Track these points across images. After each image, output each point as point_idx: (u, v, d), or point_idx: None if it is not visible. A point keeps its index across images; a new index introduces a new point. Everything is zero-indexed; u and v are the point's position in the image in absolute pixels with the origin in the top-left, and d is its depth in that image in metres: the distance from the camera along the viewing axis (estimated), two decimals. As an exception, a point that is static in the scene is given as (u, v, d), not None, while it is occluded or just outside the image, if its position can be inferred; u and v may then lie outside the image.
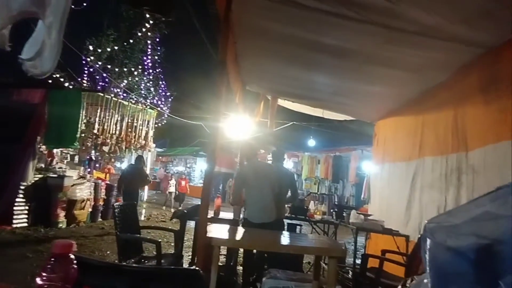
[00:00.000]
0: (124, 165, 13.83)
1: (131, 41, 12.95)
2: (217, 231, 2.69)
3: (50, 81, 9.31)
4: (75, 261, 0.86)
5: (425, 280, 1.11)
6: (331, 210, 5.88)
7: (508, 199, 1.16)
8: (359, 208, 5.62)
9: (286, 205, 4.49)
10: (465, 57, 3.11)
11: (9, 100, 7.13)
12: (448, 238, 1.17)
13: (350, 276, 4.17)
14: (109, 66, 12.82)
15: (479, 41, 2.81)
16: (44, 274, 0.81)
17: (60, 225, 6.88)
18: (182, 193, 14.11)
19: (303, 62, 3.93)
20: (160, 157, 22.35)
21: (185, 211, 3.87)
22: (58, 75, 11.60)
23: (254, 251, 3.89)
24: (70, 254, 0.85)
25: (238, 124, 5.61)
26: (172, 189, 14.00)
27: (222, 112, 3.51)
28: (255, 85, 5.47)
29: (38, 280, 0.81)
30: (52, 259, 0.83)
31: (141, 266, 1.26)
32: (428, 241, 1.20)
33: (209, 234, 2.50)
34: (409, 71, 3.59)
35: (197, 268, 0.97)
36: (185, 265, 4.30)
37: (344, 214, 4.49)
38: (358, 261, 4.12)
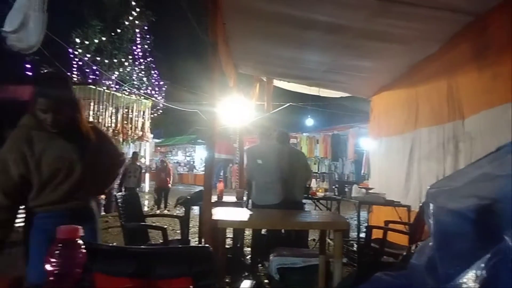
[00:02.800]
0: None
1: (118, 30, 12.72)
2: (222, 214, 2.72)
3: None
4: (82, 246, 0.87)
5: (430, 243, 1.14)
6: (333, 187, 5.94)
7: (506, 158, 1.17)
8: (359, 184, 5.67)
9: (303, 186, 4.42)
10: (455, 26, 3.11)
11: (1, 97, 7.03)
12: (449, 201, 1.19)
13: (354, 248, 4.25)
14: (98, 58, 12.63)
15: (467, 9, 2.83)
16: (52, 259, 0.82)
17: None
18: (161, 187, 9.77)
19: (294, 41, 3.89)
20: (159, 148, 22.33)
21: (188, 197, 3.89)
22: (46, 71, 11.43)
23: (263, 232, 3.94)
24: (76, 239, 0.86)
25: (234, 109, 5.58)
26: None
27: (217, 97, 3.49)
28: (249, 67, 5.42)
29: (47, 266, 0.82)
30: (59, 244, 0.83)
31: (148, 248, 1.27)
32: (431, 206, 1.21)
33: (215, 217, 2.52)
34: (401, 43, 3.58)
35: (206, 245, 0.98)
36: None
37: (346, 190, 4.54)
38: (362, 235, 4.20)
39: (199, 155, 21.53)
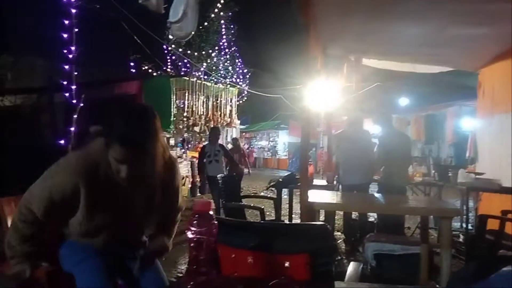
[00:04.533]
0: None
1: (205, 24, 13.39)
2: (317, 196, 2.72)
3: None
4: (214, 218, 0.95)
5: None
6: (432, 171, 5.46)
7: None
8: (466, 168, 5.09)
9: (403, 170, 4.18)
10: None
11: (113, 93, 8.05)
12: None
13: (460, 240, 3.87)
14: (188, 52, 13.51)
15: None
16: (192, 228, 0.92)
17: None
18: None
19: (390, 13, 3.61)
20: (244, 133, 23.20)
21: (280, 180, 3.99)
22: (147, 67, 12.68)
23: (354, 216, 3.89)
24: (210, 212, 0.95)
25: (322, 92, 5.46)
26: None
27: (306, 81, 3.45)
28: (337, 47, 5.21)
29: (189, 234, 0.92)
30: (196, 215, 0.93)
31: (270, 223, 1.32)
32: None
33: (310, 199, 2.54)
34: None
35: (324, 223, 0.99)
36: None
37: (450, 174, 4.13)
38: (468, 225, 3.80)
39: (282, 140, 21.77)
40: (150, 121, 1.36)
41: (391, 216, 3.61)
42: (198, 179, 8.90)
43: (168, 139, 10.37)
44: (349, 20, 4.11)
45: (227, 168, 6.71)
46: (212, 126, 8.56)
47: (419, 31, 4.00)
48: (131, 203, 1.47)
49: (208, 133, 8.87)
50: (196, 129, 8.22)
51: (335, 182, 4.14)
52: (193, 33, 1.96)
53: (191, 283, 0.91)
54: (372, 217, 4.61)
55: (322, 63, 4.83)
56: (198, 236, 0.91)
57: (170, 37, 13.07)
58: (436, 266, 2.95)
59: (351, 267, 1.41)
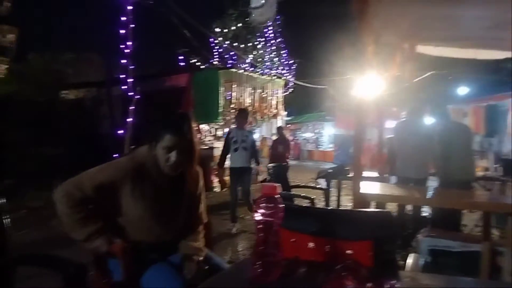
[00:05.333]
0: (255, 135, 14.72)
1: (252, 15, 13.46)
2: (370, 188, 2.66)
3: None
4: (280, 201, 0.98)
5: None
6: (495, 166, 5.07)
7: None
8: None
9: (466, 164, 3.94)
10: None
11: (163, 86, 8.42)
12: None
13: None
14: (235, 44, 13.70)
15: None
16: (259, 211, 0.95)
17: (215, 189, 7.95)
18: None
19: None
20: (289, 125, 23.14)
21: (330, 170, 3.95)
22: (194, 60, 13.06)
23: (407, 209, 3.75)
24: (276, 195, 0.98)
25: (372, 81, 5.28)
26: None
27: (356, 71, 3.36)
28: (391, 34, 4.98)
29: (257, 216, 0.96)
30: (263, 198, 0.96)
31: (333, 209, 1.33)
32: None
33: (363, 191, 2.49)
34: None
35: (388, 211, 0.98)
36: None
37: (518, 169, 3.82)
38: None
39: (327, 131, 21.38)
40: (190, 121, 1.63)
41: (448, 211, 3.43)
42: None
43: (215, 130, 10.65)
44: (406, 5, 3.91)
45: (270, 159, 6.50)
46: (259, 117, 8.64)
47: (487, 12, 3.70)
48: (168, 202, 1.63)
49: (254, 124, 8.95)
50: (243, 120, 8.34)
51: (387, 175, 4.01)
52: (272, 19, 1.96)
53: (259, 262, 0.95)
54: (426, 212, 4.43)
55: (374, 52, 4.66)
56: (265, 219, 0.94)
57: (217, 30, 13.36)
58: (498, 266, 2.77)
59: (410, 259, 1.38)
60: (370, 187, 2.73)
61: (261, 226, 0.95)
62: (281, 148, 7.44)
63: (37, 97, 7.87)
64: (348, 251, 1.08)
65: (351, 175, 4.38)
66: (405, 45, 5.57)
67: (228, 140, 4.73)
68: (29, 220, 5.42)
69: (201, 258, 1.63)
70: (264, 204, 0.95)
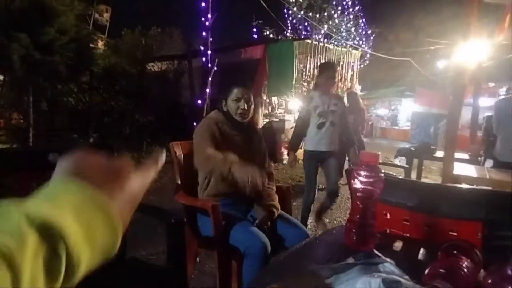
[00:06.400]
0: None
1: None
2: (463, 170, 2.42)
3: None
4: (381, 171, 0.92)
5: None
6: None
7: None
8: None
9: None
10: None
11: (239, 58, 8.52)
12: None
13: None
14: (310, 14, 13.18)
15: None
16: (360, 179, 0.91)
17: (285, 161, 7.99)
18: None
19: None
20: (363, 100, 22.05)
21: (412, 149, 3.67)
22: (268, 32, 12.93)
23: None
24: (377, 164, 0.92)
25: (471, 51, 4.63)
26: None
27: (454, 39, 2.97)
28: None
29: (356, 184, 0.92)
30: (363, 166, 0.92)
31: (436, 184, 1.23)
32: None
33: (455, 172, 2.28)
34: None
35: (508, 191, 0.87)
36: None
37: None
38: None
39: (405, 108, 19.86)
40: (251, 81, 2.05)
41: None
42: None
43: (287, 103, 10.61)
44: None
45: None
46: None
47: None
48: (244, 151, 1.83)
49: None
50: (316, 93, 8.11)
51: (481, 158, 3.58)
52: None
53: (353, 230, 0.93)
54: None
55: (477, 15, 4.07)
56: (366, 187, 0.90)
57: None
58: None
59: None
60: (463, 169, 2.48)
61: (360, 194, 0.91)
62: (351, 119, 5.10)
63: (131, 69, 8.60)
64: (451, 232, 0.99)
65: (437, 154, 4.02)
66: (514, 8, 4.79)
67: (306, 112, 3.01)
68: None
69: (275, 215, 1.76)
70: (364, 172, 0.90)
